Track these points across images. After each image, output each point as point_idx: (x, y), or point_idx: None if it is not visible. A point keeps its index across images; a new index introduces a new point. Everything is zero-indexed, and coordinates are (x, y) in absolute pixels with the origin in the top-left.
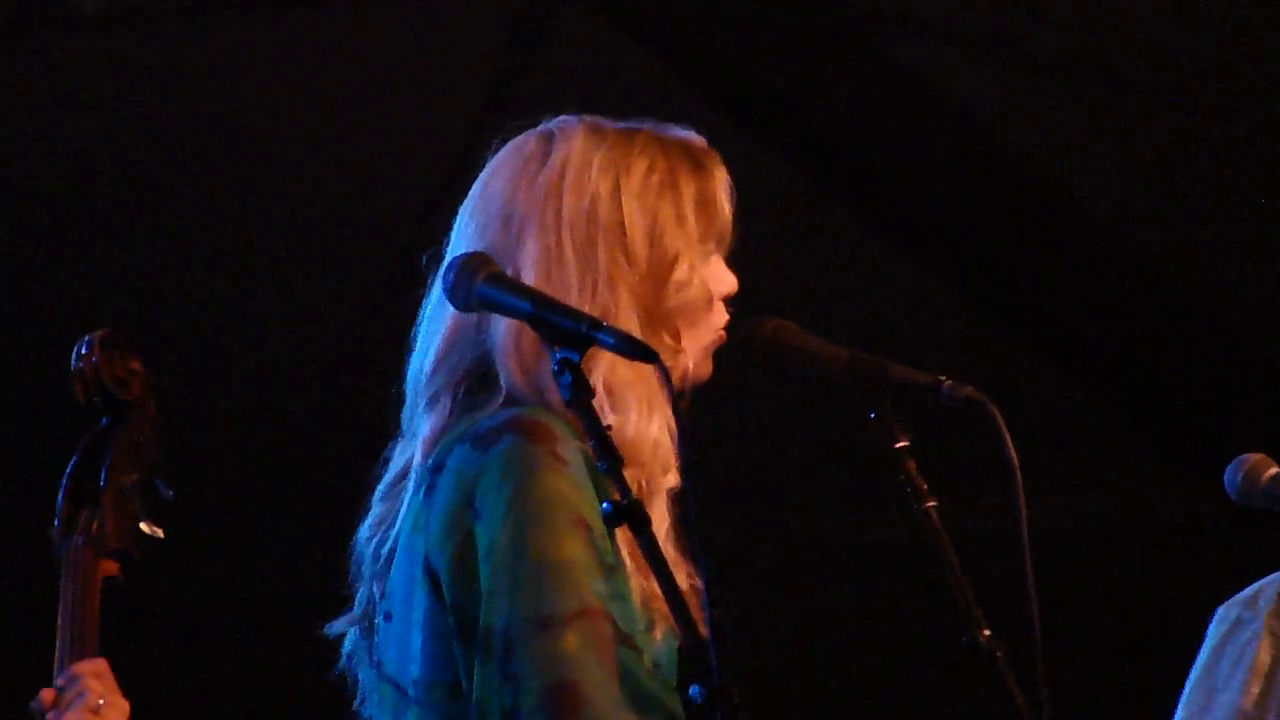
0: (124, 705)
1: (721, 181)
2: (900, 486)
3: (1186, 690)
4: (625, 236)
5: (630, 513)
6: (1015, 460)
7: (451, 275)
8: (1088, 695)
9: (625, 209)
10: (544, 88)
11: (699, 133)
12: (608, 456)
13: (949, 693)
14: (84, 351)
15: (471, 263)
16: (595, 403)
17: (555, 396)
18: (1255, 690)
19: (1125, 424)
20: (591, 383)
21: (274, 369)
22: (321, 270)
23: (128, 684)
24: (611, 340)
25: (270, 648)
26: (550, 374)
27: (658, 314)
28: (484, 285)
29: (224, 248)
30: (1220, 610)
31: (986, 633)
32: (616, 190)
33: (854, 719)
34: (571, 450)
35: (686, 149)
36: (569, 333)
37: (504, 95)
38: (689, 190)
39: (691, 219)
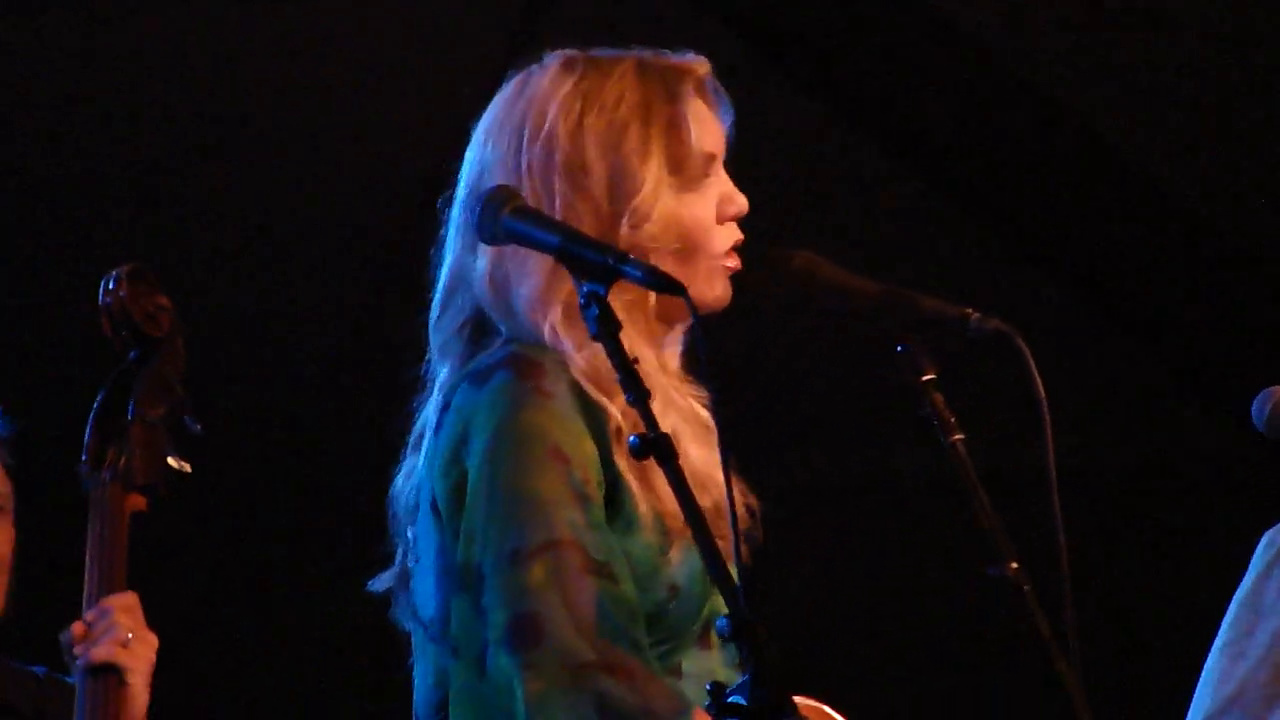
0: (152, 639)
1: (693, 107)
2: (927, 419)
3: (1231, 613)
4: (584, 173)
5: (656, 445)
6: (1042, 392)
7: (478, 208)
8: (1115, 630)
9: (583, 145)
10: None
11: (712, 61)
12: (634, 389)
13: (976, 626)
14: (111, 286)
15: (498, 196)
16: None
17: (546, 332)
18: None
19: (1152, 359)
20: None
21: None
22: (346, 217)
23: (155, 618)
24: (639, 273)
25: (294, 586)
26: (539, 307)
27: (624, 248)
28: (511, 218)
29: (255, 190)
30: (1267, 535)
31: (1014, 565)
32: (578, 128)
33: (882, 652)
34: (559, 384)
35: (664, 77)
36: (596, 266)
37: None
38: (660, 119)
39: (658, 149)
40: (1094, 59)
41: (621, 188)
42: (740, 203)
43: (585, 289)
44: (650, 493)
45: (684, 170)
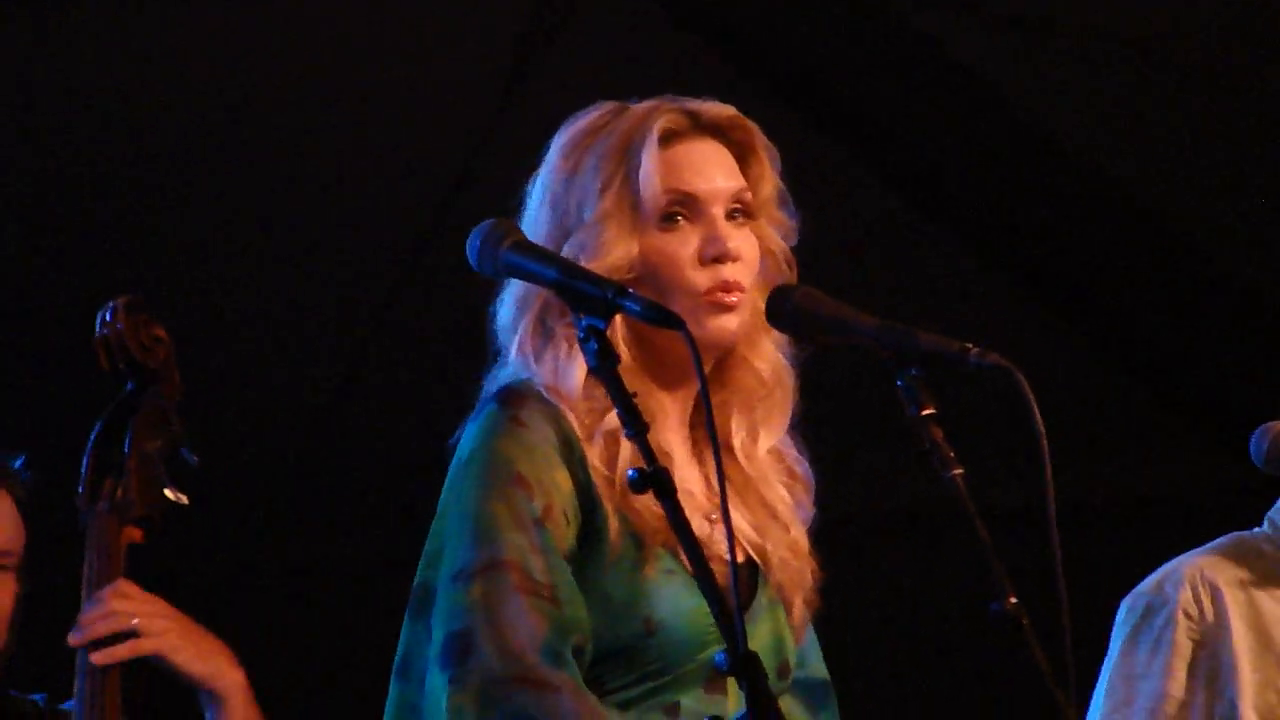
0: (162, 608)
1: (670, 149)
2: (927, 454)
3: (1103, 684)
4: (562, 214)
5: (655, 479)
6: (1042, 428)
7: (476, 242)
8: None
9: (562, 190)
10: (568, 59)
11: (715, 97)
12: (633, 423)
13: (974, 661)
14: (108, 318)
15: (497, 230)
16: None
17: (533, 364)
18: (1181, 674)
19: (1150, 394)
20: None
21: (296, 346)
22: (351, 236)
23: None
24: (637, 307)
25: (293, 617)
26: (534, 342)
27: None
28: (509, 252)
29: (247, 222)
30: (1126, 602)
31: (1012, 600)
32: (565, 174)
33: (877, 686)
34: (537, 414)
35: (638, 119)
36: (594, 299)
37: (527, 70)
38: (619, 158)
39: (617, 186)
40: (1088, 93)
41: (585, 227)
42: (720, 245)
43: (584, 323)
44: (630, 512)
45: (645, 209)
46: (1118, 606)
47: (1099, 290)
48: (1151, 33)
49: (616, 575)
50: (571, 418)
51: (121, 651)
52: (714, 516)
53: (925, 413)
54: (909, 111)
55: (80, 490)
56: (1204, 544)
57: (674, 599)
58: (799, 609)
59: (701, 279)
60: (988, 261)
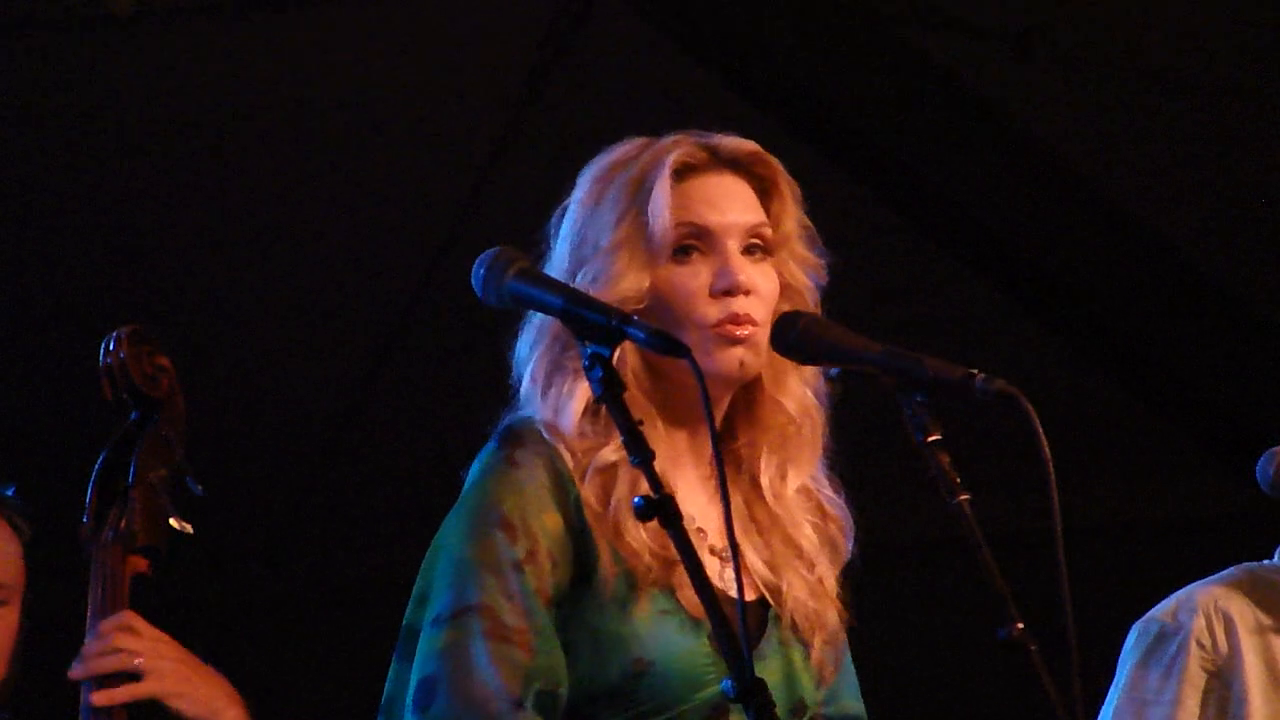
0: (166, 647)
1: (687, 182)
2: (933, 480)
3: (1111, 708)
4: (579, 245)
5: (661, 507)
6: (1048, 454)
7: (482, 271)
8: None
9: (581, 223)
10: (578, 84)
11: (731, 128)
12: (639, 451)
13: (982, 687)
14: (111, 348)
15: (501, 258)
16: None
17: (539, 398)
18: (1191, 703)
19: (1157, 419)
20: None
21: (304, 367)
22: (355, 267)
23: None
24: (641, 334)
25: (302, 644)
26: (543, 376)
27: None
28: (515, 280)
29: (257, 245)
30: (1137, 626)
31: (1020, 626)
32: (586, 208)
33: (887, 712)
34: (530, 454)
35: (654, 153)
36: (599, 326)
37: (538, 94)
38: (634, 192)
39: (629, 219)
40: (1105, 120)
41: (595, 259)
42: (731, 277)
43: (589, 350)
44: (625, 550)
45: (657, 240)
46: (1124, 631)
47: (1108, 313)
48: (1183, 62)
49: (607, 615)
50: (567, 456)
51: (120, 695)
52: (726, 554)
53: (931, 439)
54: (917, 137)
55: (85, 520)
56: (1210, 567)
57: (665, 639)
58: (819, 649)
59: (711, 311)
60: (996, 284)
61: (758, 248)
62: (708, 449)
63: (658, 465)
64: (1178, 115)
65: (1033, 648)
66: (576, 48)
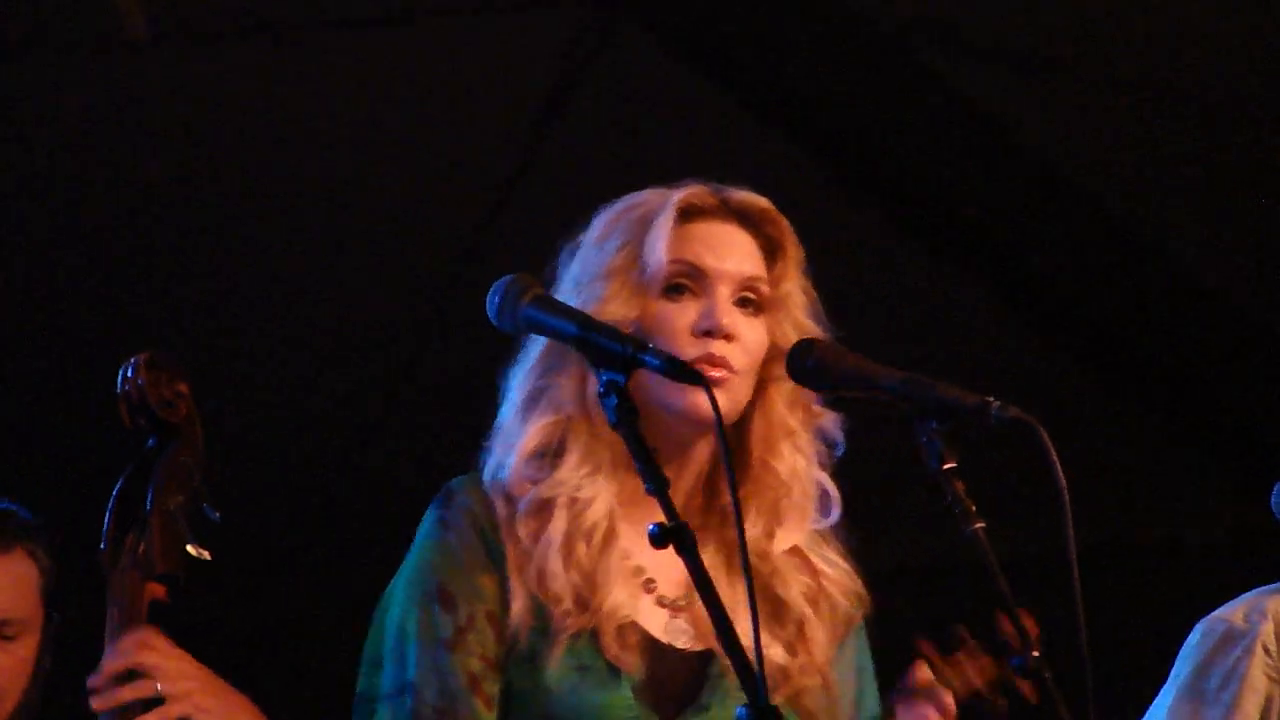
0: (188, 668)
1: (671, 222)
2: (949, 507)
3: (1169, 702)
4: (577, 275)
5: (676, 535)
6: (1063, 481)
7: (496, 298)
8: (1135, 717)
9: (586, 256)
10: (596, 108)
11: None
12: (654, 479)
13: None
14: (129, 374)
15: (516, 285)
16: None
17: (498, 434)
18: (1251, 707)
19: (1172, 445)
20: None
21: (320, 393)
22: (372, 290)
23: None
24: (656, 362)
25: (314, 670)
26: (518, 409)
27: None
28: (530, 307)
29: (277, 269)
30: (1201, 626)
31: (1035, 654)
32: (593, 243)
33: None
34: (461, 511)
35: (670, 195)
36: (614, 355)
37: (555, 121)
38: (635, 230)
39: (634, 254)
40: (1116, 139)
41: (591, 298)
42: (714, 320)
43: (604, 378)
44: (547, 597)
45: (650, 274)
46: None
47: (1123, 335)
48: (1194, 79)
49: (521, 671)
50: (500, 505)
51: None
52: (676, 605)
53: (947, 466)
54: (927, 157)
55: (102, 548)
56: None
57: (577, 696)
58: (783, 703)
59: (690, 349)
60: (1011, 306)
61: (751, 301)
62: (679, 497)
63: (619, 506)
64: (1187, 131)
65: (1048, 675)
66: (594, 75)
